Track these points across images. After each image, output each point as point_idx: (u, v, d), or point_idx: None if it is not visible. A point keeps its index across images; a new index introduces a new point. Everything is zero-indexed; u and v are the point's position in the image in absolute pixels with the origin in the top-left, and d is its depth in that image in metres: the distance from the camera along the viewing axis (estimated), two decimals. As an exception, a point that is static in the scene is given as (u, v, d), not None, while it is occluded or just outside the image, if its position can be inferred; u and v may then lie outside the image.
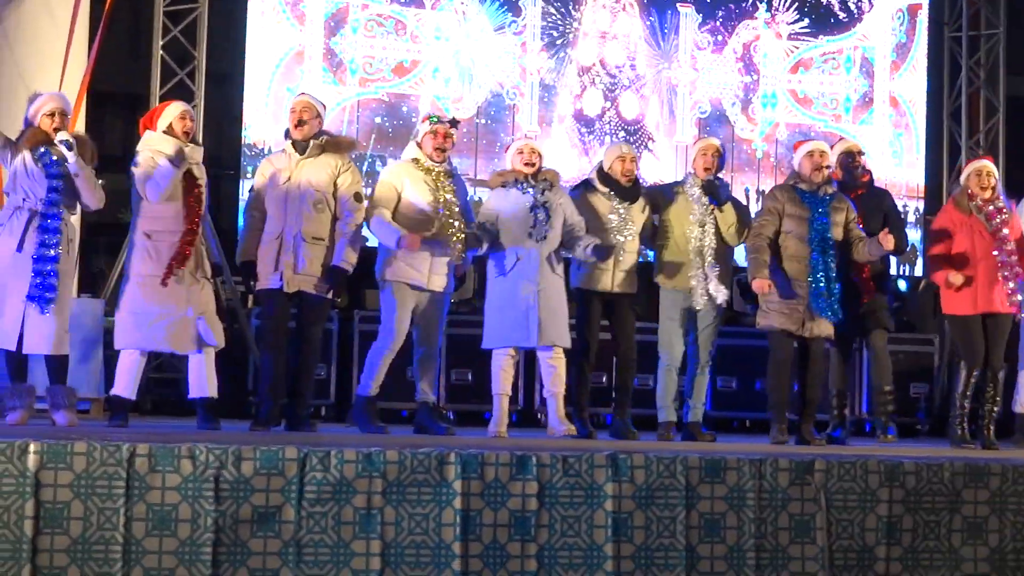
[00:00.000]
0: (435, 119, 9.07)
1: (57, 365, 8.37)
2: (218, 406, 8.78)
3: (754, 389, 11.69)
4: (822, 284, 8.99)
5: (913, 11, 14.41)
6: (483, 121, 13.18)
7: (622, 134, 13.19)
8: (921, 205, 14.04)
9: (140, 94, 12.80)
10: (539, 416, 11.18)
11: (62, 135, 8.20)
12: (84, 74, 11.29)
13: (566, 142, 13.25)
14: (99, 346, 10.40)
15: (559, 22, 13.42)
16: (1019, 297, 9.36)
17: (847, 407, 9.87)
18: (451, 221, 8.82)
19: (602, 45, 13.54)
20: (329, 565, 5.97)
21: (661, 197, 9.52)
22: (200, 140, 9.06)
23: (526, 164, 8.95)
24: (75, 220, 8.78)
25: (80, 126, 10.86)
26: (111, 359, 9.49)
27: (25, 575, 5.73)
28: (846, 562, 6.43)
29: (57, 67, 10.97)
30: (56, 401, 8.29)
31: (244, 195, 11.75)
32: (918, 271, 13.84)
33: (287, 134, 8.91)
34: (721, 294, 9.26)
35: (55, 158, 8.23)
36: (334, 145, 8.90)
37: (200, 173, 8.65)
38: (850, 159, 9.66)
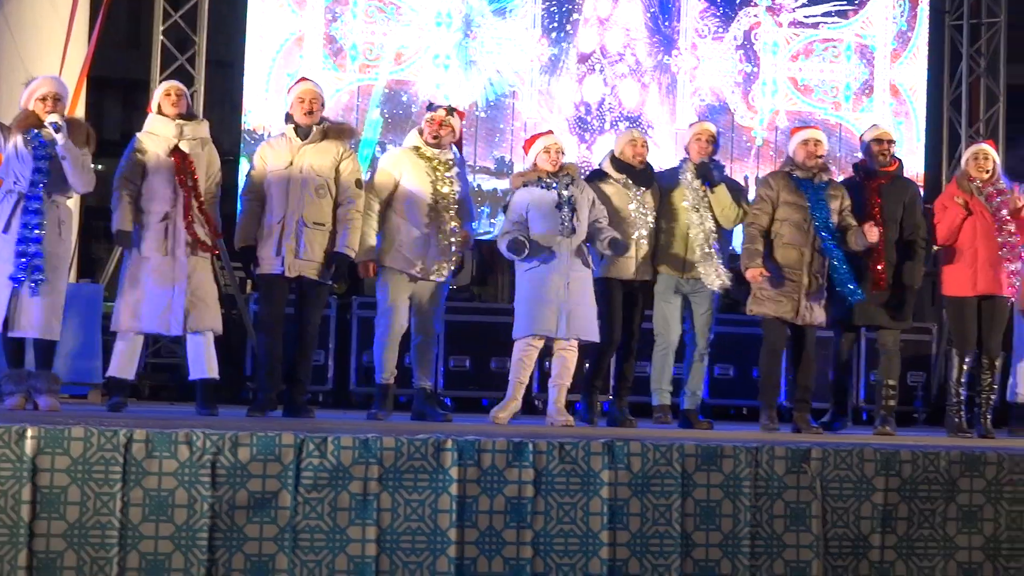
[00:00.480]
0: (432, 106, 9.11)
1: (43, 349, 8.38)
2: (217, 389, 8.81)
3: (751, 377, 11.68)
4: (839, 268, 8.98)
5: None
6: (483, 113, 13.17)
7: (624, 124, 13.17)
8: (921, 193, 14.03)
9: (140, 80, 12.81)
10: (536, 403, 11.19)
11: (52, 117, 8.20)
12: (84, 60, 11.31)
13: (565, 130, 13.24)
14: (98, 331, 10.41)
15: (559, 9, 13.41)
16: (1017, 280, 9.39)
17: (847, 397, 9.88)
18: (447, 212, 8.84)
19: (602, 32, 13.53)
20: (325, 551, 5.98)
21: (663, 182, 9.54)
22: (199, 115, 9.05)
23: (550, 163, 8.96)
24: (72, 204, 8.80)
25: (80, 111, 10.88)
26: (109, 344, 9.52)
27: (22, 560, 5.74)
28: (841, 550, 6.43)
29: (58, 53, 10.99)
30: (39, 385, 8.29)
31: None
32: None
33: (288, 119, 8.91)
34: (725, 276, 9.28)
35: (44, 140, 8.24)
36: (336, 132, 8.93)
37: (192, 148, 8.66)
38: (879, 146, 9.60)
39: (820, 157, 9.22)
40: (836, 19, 14.11)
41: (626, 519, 6.22)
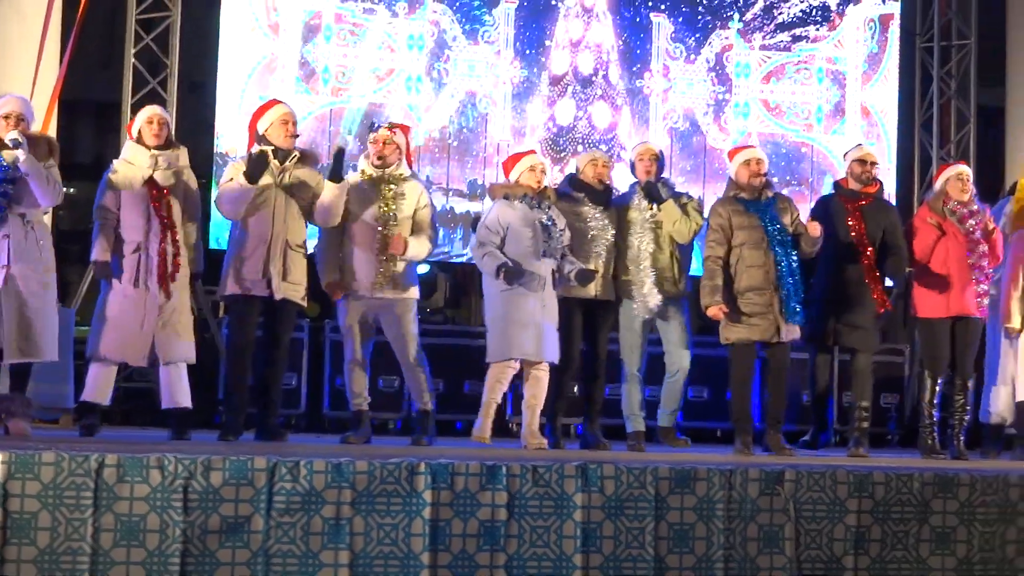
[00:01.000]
0: (374, 126, 9.12)
1: (17, 372, 8.34)
2: (190, 416, 8.78)
3: (725, 399, 11.68)
4: (790, 287, 9.01)
5: (885, 22, 14.44)
6: (455, 130, 13.17)
7: (603, 146, 13.18)
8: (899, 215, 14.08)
9: (112, 102, 12.77)
10: (511, 425, 11.17)
11: (11, 134, 8.15)
12: (56, 82, 11.26)
13: (538, 152, 13.24)
14: (70, 356, 10.36)
15: (531, 32, 13.42)
16: (986, 301, 9.43)
17: (825, 414, 9.88)
18: (393, 230, 8.83)
19: (575, 55, 13.55)
20: (298, 575, 5.96)
21: (618, 207, 9.53)
22: (177, 144, 9.03)
23: (535, 181, 8.97)
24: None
25: (52, 133, 10.82)
26: (81, 370, 9.48)
27: (-8, 586, 5.71)
28: (814, 572, 6.43)
29: (29, 74, 10.93)
30: (13, 408, 8.25)
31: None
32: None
33: (262, 140, 8.85)
34: (652, 299, 9.24)
35: (4, 162, 8.17)
36: (312, 157, 8.98)
37: (166, 179, 8.63)
38: (861, 167, 9.63)
39: (763, 175, 9.23)
40: (807, 42, 14.16)
41: (599, 542, 6.20)
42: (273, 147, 8.75)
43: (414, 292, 9.05)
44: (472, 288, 13.56)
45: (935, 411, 9.51)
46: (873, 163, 9.64)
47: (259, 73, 12.63)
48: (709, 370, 11.50)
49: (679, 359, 9.39)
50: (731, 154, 9.57)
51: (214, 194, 11.56)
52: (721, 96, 13.86)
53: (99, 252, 8.60)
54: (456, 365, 11.13)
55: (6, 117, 8.26)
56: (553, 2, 13.47)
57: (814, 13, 14.16)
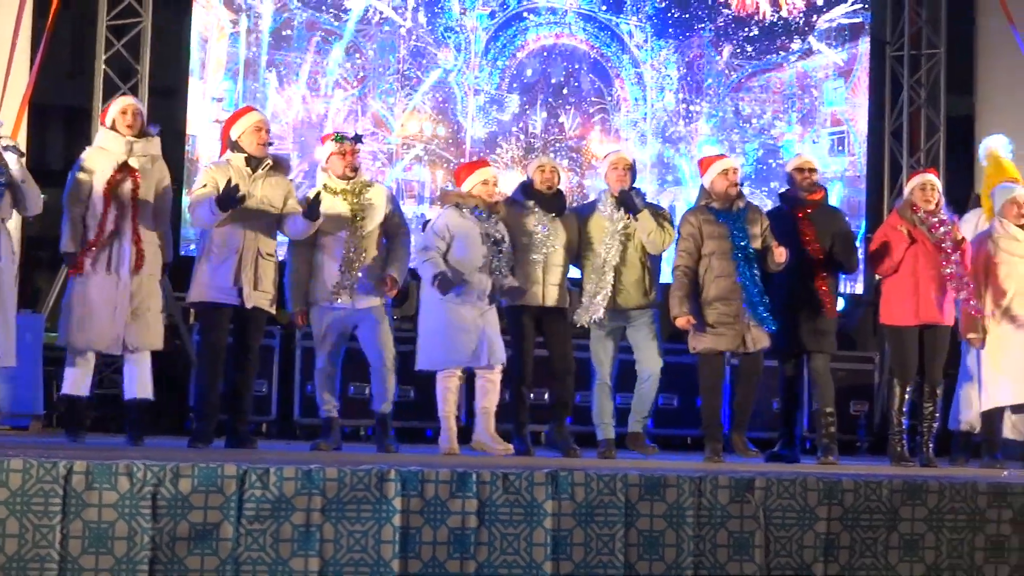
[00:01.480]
0: (340, 137, 9.07)
1: None
2: (150, 411, 8.80)
3: (695, 406, 11.69)
4: (755, 296, 9.03)
5: (855, 31, 14.51)
6: (427, 137, 13.17)
7: (572, 154, 13.19)
8: (863, 223, 14.14)
9: (83, 108, 12.73)
10: (473, 442, 11.16)
11: (6, 141, 8.18)
12: (26, 87, 11.23)
13: (508, 160, 13.26)
14: (39, 362, 10.33)
15: (503, 40, 13.44)
16: (957, 310, 9.46)
17: (795, 424, 9.88)
18: (364, 240, 8.83)
19: (546, 63, 13.57)
20: (267, 583, 5.95)
21: (581, 215, 9.54)
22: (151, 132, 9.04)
23: (488, 195, 8.97)
24: (14, 232, 8.78)
25: (22, 139, 10.80)
26: (51, 375, 9.45)
27: (-41, 593, 5.68)
28: (784, 579, 6.45)
29: (-2, 80, 10.91)
30: None
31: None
32: (858, 289, 13.93)
33: (234, 147, 8.84)
34: (595, 312, 9.23)
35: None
36: (284, 165, 8.98)
37: (142, 165, 8.66)
38: (800, 174, 9.67)
39: (738, 185, 9.27)
40: (778, 53, 14.22)
41: (569, 549, 6.20)
42: (247, 155, 8.76)
43: (379, 297, 9.06)
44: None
45: (904, 419, 9.53)
46: (812, 169, 9.67)
47: (231, 79, 12.63)
48: (678, 377, 11.49)
49: (650, 365, 9.37)
50: (705, 163, 9.52)
51: (186, 200, 11.59)
52: (691, 106, 13.89)
53: (68, 243, 8.63)
54: (426, 372, 11.09)
55: None
56: (524, 13, 13.49)
57: (784, 23, 14.21)
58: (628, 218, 9.30)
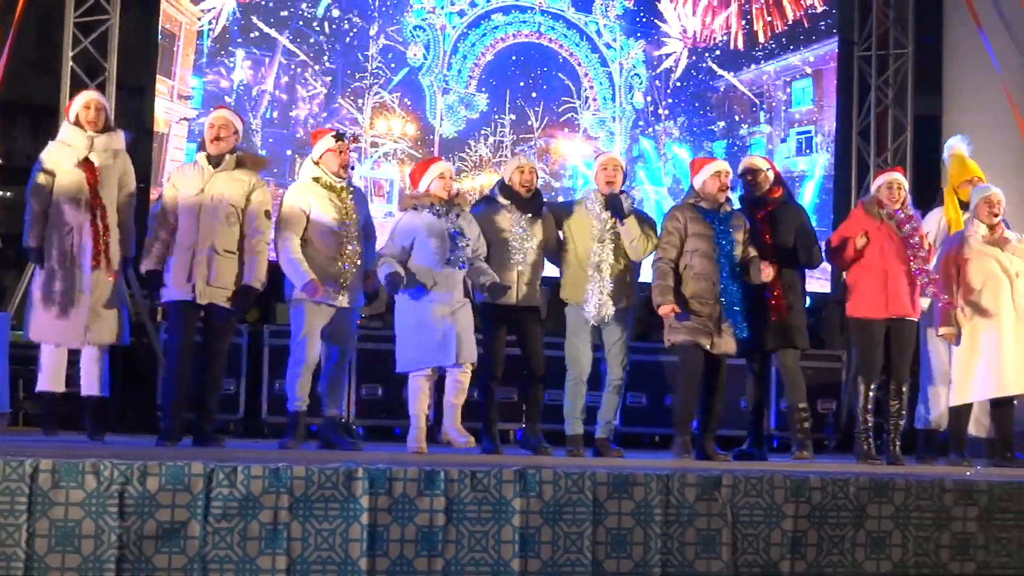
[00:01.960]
0: (339, 136, 9.06)
1: None
2: (106, 409, 8.78)
3: (664, 405, 11.74)
4: (736, 302, 9.06)
5: (823, 31, 14.56)
6: (397, 134, 13.17)
7: (542, 153, 13.20)
8: (831, 223, 14.18)
9: (50, 105, 12.67)
10: (439, 438, 11.16)
11: None
12: (-8, 85, 11.19)
13: (477, 159, 13.27)
14: (4, 360, 10.29)
15: (471, 38, 13.44)
16: (944, 296, 9.49)
17: (762, 423, 9.90)
18: (353, 239, 8.83)
19: (515, 62, 13.59)
20: (235, 581, 5.94)
21: (562, 212, 9.56)
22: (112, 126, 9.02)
23: (445, 189, 8.95)
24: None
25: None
26: (18, 373, 9.41)
27: (-75, 592, 5.66)
28: (751, 576, 6.47)
29: (-36, 78, 10.86)
30: None
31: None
32: (825, 288, 13.97)
33: (201, 146, 8.89)
34: (606, 309, 9.26)
35: None
36: (249, 161, 8.92)
37: (104, 160, 8.65)
38: (750, 176, 9.71)
39: (728, 189, 9.30)
40: (745, 61, 14.29)
41: (537, 547, 6.21)
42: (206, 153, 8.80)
43: (359, 298, 9.07)
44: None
45: (870, 416, 9.56)
46: (756, 170, 9.69)
47: (199, 76, 12.61)
48: (647, 376, 11.54)
49: (616, 372, 9.41)
50: (697, 164, 9.53)
51: (152, 196, 11.56)
52: (659, 106, 13.91)
53: (32, 238, 8.63)
54: (394, 371, 11.11)
55: None
56: (493, 12, 13.49)
57: (749, 29, 14.27)
58: (614, 221, 9.32)
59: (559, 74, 13.69)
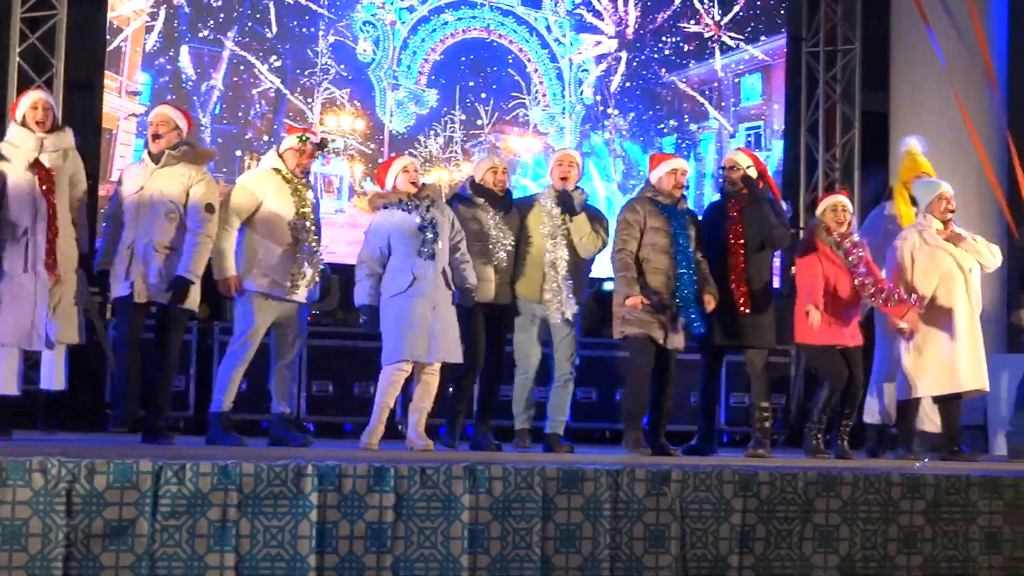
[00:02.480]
0: (304, 138, 9.02)
1: None
2: (67, 407, 8.74)
3: (614, 400, 11.76)
4: (691, 297, 9.09)
5: (772, 27, 14.62)
6: (347, 130, 13.15)
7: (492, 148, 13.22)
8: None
9: (-4, 101, 12.60)
10: (400, 428, 11.15)
11: None
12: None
13: (427, 155, 13.28)
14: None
15: (421, 33, 13.44)
16: (899, 291, 9.55)
17: (713, 418, 9.92)
18: (309, 234, 8.81)
19: (464, 57, 13.60)
20: (183, 578, 5.92)
21: (522, 208, 9.57)
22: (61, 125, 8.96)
23: (411, 183, 8.92)
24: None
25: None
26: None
27: None
28: (699, 571, 6.49)
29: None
30: None
31: (103, 204, 11.63)
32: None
33: (146, 144, 8.88)
34: (569, 309, 9.29)
35: None
36: (191, 155, 8.85)
37: (54, 161, 8.59)
38: (727, 172, 9.72)
39: (684, 187, 9.33)
40: (696, 49, 14.34)
41: (486, 543, 6.22)
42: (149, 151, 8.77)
43: (311, 293, 9.04)
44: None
45: (824, 415, 9.59)
46: (732, 166, 9.70)
47: (148, 72, 12.56)
48: (597, 371, 11.56)
49: (566, 368, 9.43)
50: (656, 159, 9.57)
51: (101, 192, 11.50)
52: (609, 102, 13.94)
53: None
54: (346, 367, 11.11)
55: None
56: (443, 8, 13.50)
57: (697, 30, 14.32)
58: (564, 217, 9.34)
59: (509, 70, 13.71)
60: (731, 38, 14.42)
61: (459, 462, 6.33)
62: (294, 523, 6.03)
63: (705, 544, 6.52)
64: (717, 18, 14.39)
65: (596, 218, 9.55)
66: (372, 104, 13.25)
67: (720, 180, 9.86)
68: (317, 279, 8.96)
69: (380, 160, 12.07)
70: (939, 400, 9.96)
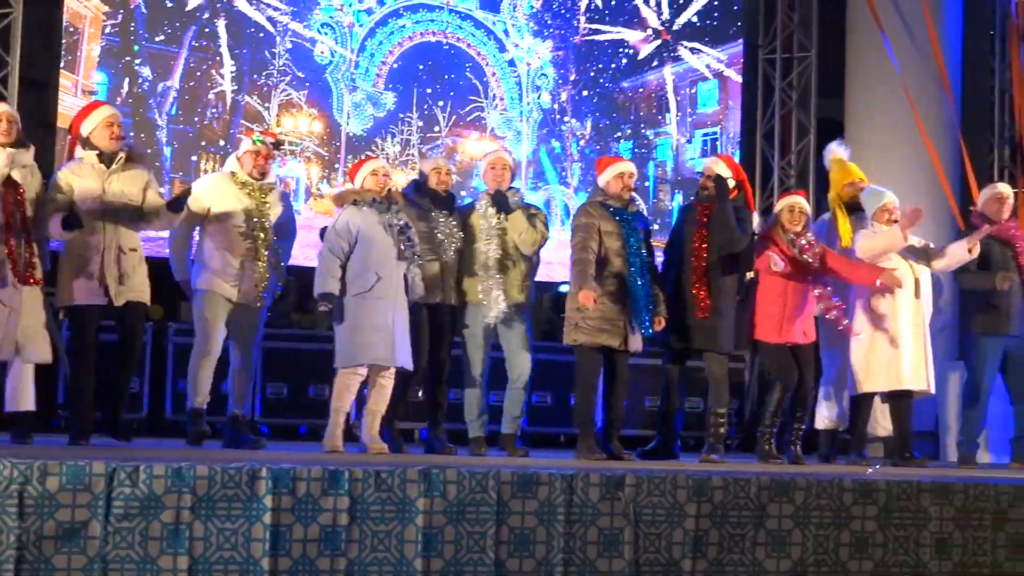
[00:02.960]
0: (258, 139, 9.00)
1: None
2: (31, 420, 8.65)
3: (570, 404, 11.76)
4: (641, 300, 9.11)
5: (728, 34, 14.68)
6: (304, 132, 13.13)
7: (449, 152, 13.22)
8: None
9: (-49, 101, 12.52)
10: (355, 431, 11.14)
11: None
12: None
13: (384, 157, 13.27)
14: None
15: (379, 36, 13.43)
16: (846, 321, 9.60)
17: (673, 424, 9.91)
18: (262, 237, 8.78)
19: (422, 61, 13.61)
20: (136, 581, 5.90)
21: (462, 214, 9.57)
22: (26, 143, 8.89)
23: (378, 185, 8.90)
24: None
25: None
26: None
27: None
28: (653, 575, 6.51)
29: None
30: None
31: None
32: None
33: (86, 143, 8.72)
34: (498, 306, 9.28)
35: None
36: (139, 157, 8.87)
37: (24, 177, 8.49)
38: (702, 179, 9.76)
39: (632, 189, 9.36)
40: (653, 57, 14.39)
41: (440, 547, 6.22)
42: (99, 151, 8.67)
43: (268, 296, 9.01)
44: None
45: (777, 419, 9.64)
46: (707, 176, 9.73)
47: (104, 71, 12.51)
48: (553, 375, 11.57)
49: (520, 366, 9.43)
50: (604, 163, 9.57)
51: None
52: (566, 106, 13.97)
53: None
54: (301, 370, 11.11)
55: None
56: (401, 10, 13.49)
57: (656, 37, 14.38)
58: (501, 217, 9.35)
59: (467, 73, 13.71)
60: (688, 45, 14.46)
61: (414, 465, 6.33)
62: (248, 526, 6.01)
63: (658, 548, 6.54)
64: (673, 25, 14.41)
65: (532, 214, 9.55)
66: (329, 106, 13.24)
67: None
68: (268, 278, 8.90)
69: (337, 163, 12.08)
70: (889, 401, 10.02)
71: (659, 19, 14.39)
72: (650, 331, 9.19)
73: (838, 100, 14.42)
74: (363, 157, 9.60)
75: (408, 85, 13.51)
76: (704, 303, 9.40)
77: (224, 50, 12.92)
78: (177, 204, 8.55)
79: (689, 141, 14.47)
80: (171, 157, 12.71)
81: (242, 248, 8.78)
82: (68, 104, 12.36)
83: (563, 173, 13.97)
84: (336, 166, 12.93)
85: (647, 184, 14.21)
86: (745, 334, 9.71)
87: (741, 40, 14.77)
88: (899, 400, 9.97)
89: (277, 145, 9.06)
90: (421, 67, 13.60)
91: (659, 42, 14.40)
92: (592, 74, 14.15)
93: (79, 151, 8.71)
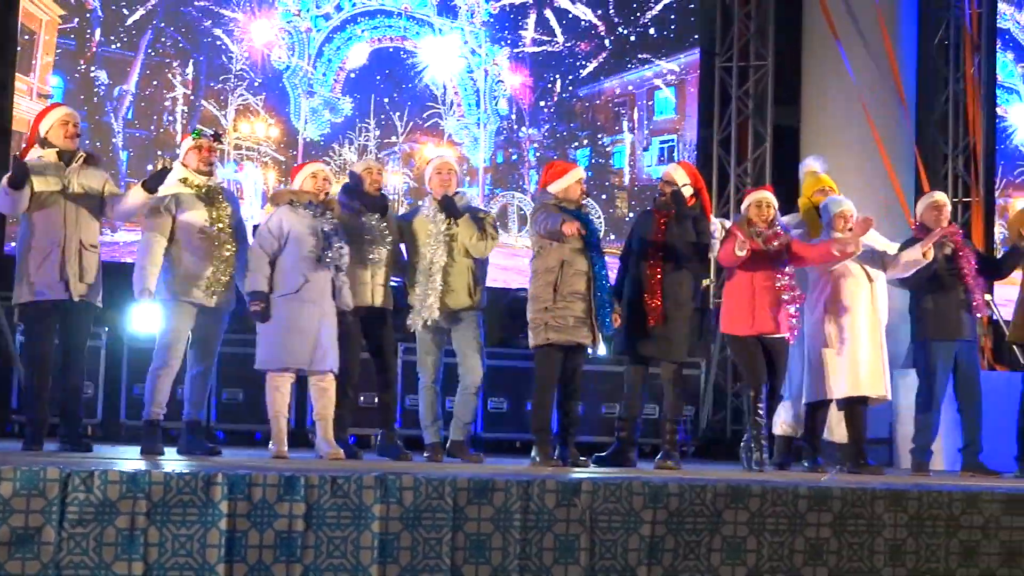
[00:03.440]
0: (197, 133, 9.00)
1: None
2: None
3: (525, 410, 11.77)
4: (604, 296, 9.13)
5: (685, 43, 14.73)
6: (261, 137, 13.10)
7: (406, 158, 13.21)
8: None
9: (-95, 103, 12.46)
10: (310, 436, 11.12)
11: None
12: None
13: (341, 163, 13.25)
14: None
15: (337, 41, 13.42)
16: (795, 320, 9.63)
17: (632, 430, 9.88)
18: (224, 242, 8.76)
19: (380, 66, 13.59)
20: (90, 587, 5.86)
21: (404, 221, 9.57)
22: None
23: (316, 188, 8.89)
24: None
25: None
26: None
27: None
28: (608, 582, 6.52)
29: None
30: None
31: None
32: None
33: (44, 143, 8.69)
34: (431, 312, 9.27)
35: None
36: (95, 158, 8.85)
37: None
38: (663, 186, 9.78)
39: (587, 195, 9.38)
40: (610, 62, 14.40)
41: (396, 553, 6.21)
42: (58, 149, 8.64)
43: (231, 300, 8.97)
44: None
45: (762, 422, 9.60)
46: (667, 182, 9.75)
47: (59, 74, 12.45)
48: (508, 381, 11.57)
49: (473, 373, 9.42)
50: (560, 169, 9.52)
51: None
52: (524, 113, 13.99)
53: None
54: (255, 375, 11.03)
55: None
56: (359, 16, 13.48)
57: (617, 39, 14.39)
58: (449, 222, 9.35)
59: (424, 79, 13.71)
60: (644, 53, 14.50)
61: (370, 472, 6.32)
62: (203, 532, 5.99)
63: (614, 555, 6.54)
64: (631, 35, 14.44)
65: (480, 218, 9.55)
66: (286, 111, 13.21)
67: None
68: (232, 282, 8.87)
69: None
70: (844, 408, 10.06)
71: (616, 28, 14.41)
72: (609, 330, 9.20)
73: (794, 108, 14.49)
74: (304, 161, 9.53)
75: (366, 91, 13.50)
76: (657, 312, 9.41)
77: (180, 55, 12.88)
78: (155, 181, 8.49)
79: (646, 149, 14.50)
80: (127, 162, 12.66)
81: (206, 250, 8.74)
82: (24, 108, 12.31)
83: (520, 180, 13.97)
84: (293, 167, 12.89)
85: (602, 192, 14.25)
86: (700, 342, 9.72)
87: (698, 49, 14.81)
88: (854, 407, 10.01)
89: (217, 137, 9.02)
90: (378, 73, 13.58)
91: (616, 50, 14.41)
92: (549, 84, 14.17)
93: (37, 150, 8.68)
